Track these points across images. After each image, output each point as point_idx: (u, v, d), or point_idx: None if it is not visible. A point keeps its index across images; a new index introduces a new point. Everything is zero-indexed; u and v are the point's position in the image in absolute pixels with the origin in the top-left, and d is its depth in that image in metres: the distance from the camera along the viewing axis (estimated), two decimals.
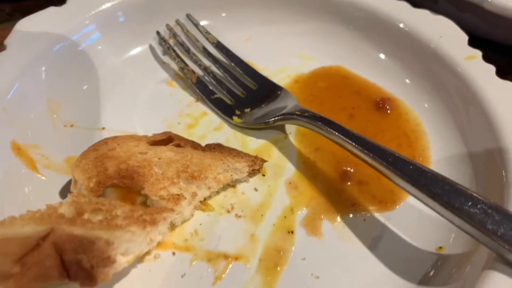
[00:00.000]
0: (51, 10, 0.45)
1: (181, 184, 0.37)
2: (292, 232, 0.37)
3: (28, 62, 0.41)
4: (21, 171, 0.38)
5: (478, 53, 0.44)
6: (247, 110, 0.44)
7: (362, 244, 0.37)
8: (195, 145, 0.39)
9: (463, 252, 0.35)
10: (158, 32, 0.49)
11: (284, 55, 0.50)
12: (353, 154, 0.37)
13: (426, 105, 0.45)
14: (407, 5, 0.48)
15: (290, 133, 0.44)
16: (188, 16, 0.50)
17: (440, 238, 0.37)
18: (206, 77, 0.47)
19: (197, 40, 0.49)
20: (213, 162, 0.38)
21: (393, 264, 0.36)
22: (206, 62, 0.48)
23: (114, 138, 0.38)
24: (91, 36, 0.46)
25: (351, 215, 0.38)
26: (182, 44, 0.49)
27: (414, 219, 0.38)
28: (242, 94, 0.46)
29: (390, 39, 0.48)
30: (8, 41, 0.42)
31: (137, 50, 0.49)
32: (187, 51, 0.48)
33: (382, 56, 0.48)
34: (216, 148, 0.39)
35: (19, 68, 0.40)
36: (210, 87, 0.46)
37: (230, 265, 0.35)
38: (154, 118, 0.44)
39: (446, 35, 0.45)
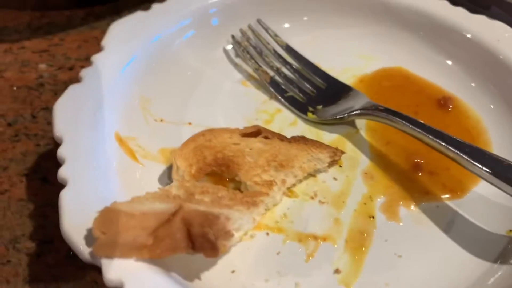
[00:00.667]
0: (139, 14, 0.49)
1: (271, 172, 0.40)
2: (373, 217, 0.41)
3: (125, 60, 0.45)
4: (127, 160, 0.41)
5: None
6: (319, 107, 0.48)
7: (437, 227, 0.40)
8: (281, 137, 0.43)
9: None
10: (233, 36, 0.53)
11: (348, 56, 0.54)
12: (426, 143, 0.40)
13: (492, 106, 0.48)
14: (465, 11, 0.52)
15: (361, 128, 0.47)
16: (259, 21, 0.54)
17: (509, 222, 0.40)
18: (278, 77, 0.51)
19: (268, 43, 0.53)
20: (298, 152, 0.42)
21: (466, 245, 0.39)
22: (277, 64, 0.52)
23: (211, 130, 0.42)
24: (182, 35, 0.50)
25: (424, 203, 0.42)
26: (254, 47, 0.53)
27: (483, 206, 0.41)
28: (312, 93, 0.50)
29: (448, 43, 0.51)
30: (104, 42, 0.46)
31: (214, 52, 0.53)
32: (260, 53, 0.52)
33: (438, 57, 0.52)
34: (301, 140, 0.43)
35: (118, 65, 0.44)
36: (283, 86, 0.50)
37: (320, 245, 0.39)
38: (234, 115, 0.48)
39: (503, 39, 0.49)
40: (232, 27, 0.53)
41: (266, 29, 0.54)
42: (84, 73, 0.43)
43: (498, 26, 0.50)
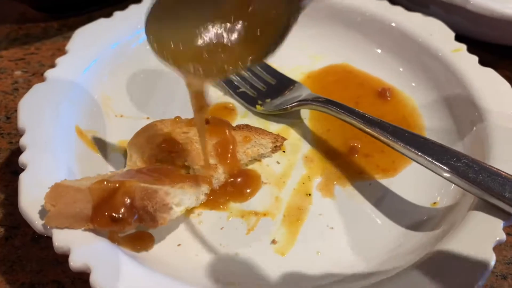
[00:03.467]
0: (102, 21, 0.54)
1: (217, 156, 0.44)
2: (309, 194, 0.45)
3: (87, 62, 0.50)
4: (87, 151, 0.45)
5: (463, 46, 0.52)
6: (268, 100, 0.52)
7: (368, 202, 0.44)
8: (227, 125, 0.47)
9: (451, 204, 0.42)
10: None
11: (297, 56, 0.58)
12: (360, 129, 0.45)
13: (418, 89, 0.53)
14: (402, 9, 0.56)
15: (305, 118, 0.52)
16: None
17: (433, 196, 0.44)
18: (232, 75, 0.55)
19: None
20: (242, 138, 0.46)
21: (394, 217, 0.43)
22: None
23: (161, 121, 0.46)
24: (140, 38, 0.55)
25: (358, 181, 0.46)
26: None
27: (411, 183, 0.45)
28: (263, 88, 0.54)
29: (387, 38, 0.56)
30: (69, 47, 0.51)
31: None
32: None
33: (380, 51, 0.57)
34: (245, 128, 0.47)
35: (80, 67, 0.49)
36: (236, 83, 0.55)
37: (260, 220, 0.43)
38: (190, 109, 0.52)
39: (435, 33, 0.53)
40: None
41: None
42: (48, 73, 0.48)
43: (432, 21, 0.55)
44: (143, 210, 0.36)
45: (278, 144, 0.47)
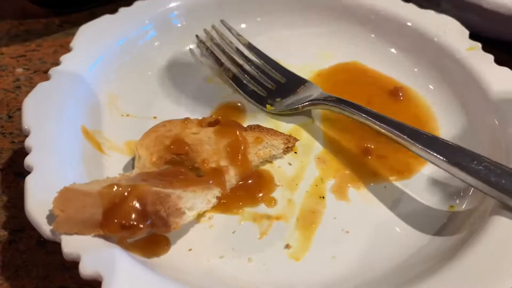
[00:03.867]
0: (107, 17, 0.52)
1: (228, 158, 0.43)
2: (323, 197, 0.43)
3: (92, 59, 0.48)
4: (93, 151, 0.44)
5: (478, 45, 0.50)
6: (278, 99, 0.51)
7: (383, 205, 0.43)
8: (239, 126, 0.46)
9: (471, 208, 0.41)
10: (197, 36, 0.56)
11: (306, 54, 0.57)
12: (376, 130, 0.43)
13: (433, 89, 0.51)
14: (415, 7, 0.55)
15: (316, 118, 0.51)
16: (222, 22, 0.57)
17: (451, 199, 0.43)
18: (241, 74, 0.54)
19: (231, 42, 0.56)
20: (254, 139, 0.45)
21: (411, 221, 0.42)
22: (240, 61, 0.55)
23: (171, 121, 0.45)
24: (148, 34, 0.54)
25: (372, 184, 0.45)
26: (218, 46, 0.56)
27: (428, 185, 0.44)
28: (272, 86, 0.53)
29: (400, 36, 0.54)
30: (73, 44, 0.49)
31: (182, 50, 0.56)
32: (223, 51, 0.55)
33: (393, 50, 0.55)
34: (256, 128, 0.46)
35: (85, 65, 0.47)
36: (245, 82, 0.53)
37: (273, 224, 0.41)
38: (199, 108, 0.51)
39: (449, 31, 0.52)
40: (193, 28, 0.56)
41: (229, 29, 0.57)
42: (53, 71, 0.46)
43: (445, 19, 0.54)
44: (155, 215, 0.35)
45: (290, 145, 0.46)
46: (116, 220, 0.34)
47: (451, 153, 0.38)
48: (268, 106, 0.50)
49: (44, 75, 0.58)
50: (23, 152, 0.40)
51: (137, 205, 0.34)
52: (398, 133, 0.41)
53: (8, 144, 0.50)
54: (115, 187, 0.35)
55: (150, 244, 0.38)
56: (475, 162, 0.37)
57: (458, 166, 0.38)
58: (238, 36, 0.57)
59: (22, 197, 0.37)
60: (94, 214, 0.34)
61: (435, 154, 0.39)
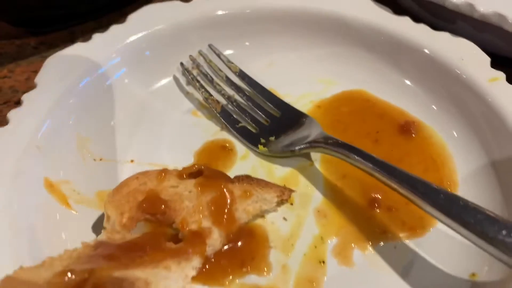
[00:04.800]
0: (78, 46, 0.46)
1: (211, 218, 0.37)
2: (323, 262, 0.37)
3: (58, 99, 0.42)
4: (55, 207, 0.38)
5: (501, 75, 0.44)
6: (272, 138, 0.45)
7: (393, 271, 0.37)
8: (224, 177, 0.40)
9: (497, 280, 0.35)
10: (182, 63, 0.50)
11: (306, 80, 0.51)
12: (380, 181, 0.37)
13: (454, 132, 0.45)
14: (428, 28, 0.48)
15: (316, 160, 0.44)
16: (210, 47, 0.51)
17: (472, 264, 0.37)
18: (230, 106, 0.48)
19: (220, 70, 0.50)
20: (242, 193, 0.39)
21: None
22: (230, 91, 0.49)
23: (145, 173, 0.39)
24: (117, 71, 0.47)
25: (381, 243, 0.38)
26: (205, 74, 0.50)
27: (445, 245, 0.38)
28: (266, 122, 0.47)
29: (411, 62, 0.48)
30: (37, 79, 0.43)
31: (162, 82, 0.50)
32: (211, 81, 0.49)
33: (403, 78, 0.49)
34: (245, 180, 0.40)
35: (49, 105, 0.42)
36: (235, 116, 0.47)
37: None
38: (181, 149, 0.45)
39: (468, 58, 0.45)
40: (172, 57, 0.50)
41: (218, 55, 0.51)
42: (11, 114, 0.40)
43: (463, 43, 0.47)
44: None
45: (284, 198, 0.40)
46: None
47: (475, 219, 0.32)
48: (260, 146, 0.44)
49: (15, 106, 0.52)
50: None
51: None
52: (410, 189, 0.35)
53: None
54: (69, 275, 0.29)
55: None
56: (504, 231, 0.31)
57: (483, 235, 0.31)
58: (228, 62, 0.50)
59: None
60: None
61: (454, 219, 0.32)
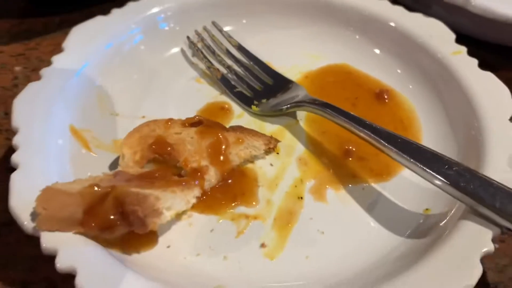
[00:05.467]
0: (99, 18, 0.54)
1: (209, 158, 0.44)
2: (301, 197, 0.44)
3: (83, 60, 0.50)
4: (79, 149, 0.46)
5: (463, 49, 0.51)
6: (264, 100, 0.52)
7: (360, 207, 0.44)
8: (221, 126, 0.47)
9: (444, 211, 0.42)
10: (188, 37, 0.57)
11: (296, 55, 0.58)
12: (354, 134, 0.44)
13: (417, 91, 0.52)
14: (403, 9, 0.56)
15: (301, 119, 0.51)
16: (213, 23, 0.58)
17: (426, 202, 0.43)
18: (229, 75, 0.55)
19: (221, 43, 0.57)
20: (235, 140, 0.46)
21: (386, 223, 0.42)
22: (229, 62, 0.56)
23: (154, 121, 0.46)
24: (135, 38, 0.55)
25: (351, 185, 0.45)
26: (208, 47, 0.57)
27: (405, 188, 0.45)
28: (260, 88, 0.54)
29: (386, 38, 0.55)
30: (65, 44, 0.51)
31: (171, 51, 0.57)
32: (213, 52, 0.57)
33: (378, 51, 0.56)
34: (238, 129, 0.47)
35: (76, 66, 0.49)
36: (233, 83, 0.54)
37: (250, 223, 0.43)
38: (186, 108, 0.52)
39: (436, 34, 0.52)
40: (180, 31, 0.58)
41: (220, 30, 0.58)
42: (44, 71, 0.48)
43: (433, 22, 0.54)
44: (133, 215, 0.36)
45: (271, 146, 0.47)
46: (95, 219, 0.36)
47: (423, 157, 0.39)
48: (253, 107, 0.51)
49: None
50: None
51: (116, 205, 0.36)
52: (374, 136, 0.42)
53: (3, 140, 0.52)
54: (96, 188, 0.36)
55: (130, 240, 0.40)
56: (445, 166, 0.38)
57: (429, 169, 0.38)
58: (228, 37, 0.58)
59: None
60: (74, 213, 0.36)
61: (408, 157, 0.40)
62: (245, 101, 0.52)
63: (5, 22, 0.68)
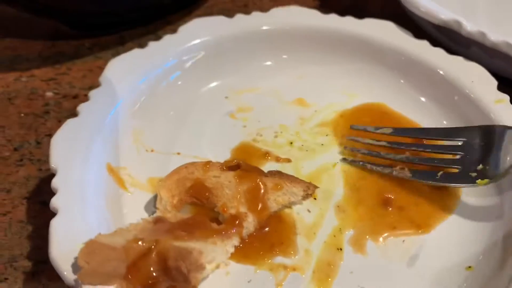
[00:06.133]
0: (136, 51, 0.53)
1: (247, 204, 0.44)
2: (340, 249, 0.44)
3: (119, 96, 0.49)
4: (115, 188, 0.45)
5: (506, 97, 0.50)
6: (480, 166, 0.44)
7: (401, 261, 0.43)
8: (259, 171, 0.46)
9: (490, 271, 0.41)
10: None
11: (331, 92, 0.57)
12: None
13: None
14: (443, 52, 0.55)
15: (337, 162, 0.50)
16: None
17: (469, 258, 0.43)
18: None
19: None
20: (273, 186, 0.45)
21: (427, 279, 0.42)
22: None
23: (193, 163, 0.46)
24: (171, 73, 0.54)
25: (391, 237, 0.45)
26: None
27: (446, 242, 0.44)
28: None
29: (427, 81, 0.54)
30: (101, 79, 0.50)
31: (208, 86, 0.57)
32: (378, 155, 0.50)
33: (422, 99, 0.55)
34: (277, 174, 0.46)
35: (112, 101, 0.49)
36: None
37: (289, 275, 0.42)
38: (220, 146, 0.51)
39: (477, 80, 0.51)
40: (217, 64, 0.57)
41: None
42: (81, 108, 0.47)
43: (474, 67, 0.53)
44: (176, 271, 0.35)
45: (309, 192, 0.46)
46: (138, 275, 0.35)
47: None
48: (479, 181, 0.43)
49: (73, 100, 0.60)
50: (50, 180, 0.41)
51: (159, 260, 0.35)
52: None
53: (35, 171, 0.52)
54: (140, 242, 0.36)
55: None
56: None
57: None
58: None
59: (47, 227, 0.38)
60: (117, 267, 0.35)
61: None
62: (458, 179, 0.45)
63: (36, 44, 0.67)
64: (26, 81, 0.62)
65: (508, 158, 0.42)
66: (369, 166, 0.48)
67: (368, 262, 0.43)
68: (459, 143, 0.46)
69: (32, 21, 0.69)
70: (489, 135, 0.45)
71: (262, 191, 0.44)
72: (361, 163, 0.49)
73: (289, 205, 0.46)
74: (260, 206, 0.44)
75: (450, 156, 0.46)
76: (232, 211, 0.43)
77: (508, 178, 0.43)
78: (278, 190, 0.45)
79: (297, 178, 0.47)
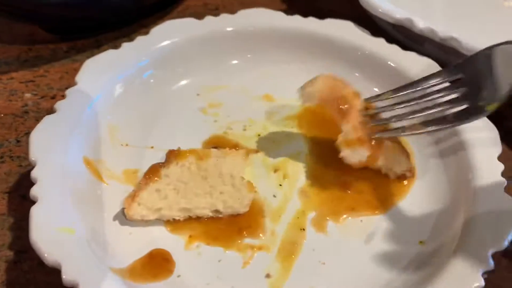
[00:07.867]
0: (110, 52, 0.56)
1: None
2: (303, 229, 0.47)
3: (95, 94, 0.52)
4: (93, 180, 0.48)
5: None
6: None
7: (359, 238, 0.47)
8: None
9: (439, 244, 0.45)
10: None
11: (296, 88, 0.60)
12: None
13: None
14: (397, 47, 0.59)
15: (302, 152, 0.54)
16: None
17: (421, 234, 0.47)
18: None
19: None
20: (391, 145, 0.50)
21: (382, 253, 0.45)
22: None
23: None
24: (144, 72, 0.57)
25: (350, 218, 0.48)
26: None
27: (401, 221, 0.48)
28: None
29: (382, 75, 0.58)
30: (78, 78, 0.53)
31: (179, 84, 0.60)
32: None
33: (376, 89, 0.59)
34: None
35: (88, 99, 0.51)
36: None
37: (255, 254, 0.45)
38: (192, 139, 0.54)
39: (427, 70, 0.55)
40: (186, 63, 0.60)
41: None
42: (59, 105, 0.50)
43: (425, 61, 0.57)
44: None
45: (408, 175, 0.51)
46: None
47: None
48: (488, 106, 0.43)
49: (51, 100, 0.62)
50: (29, 174, 0.44)
51: None
52: None
53: (15, 167, 0.54)
54: None
55: (151, 269, 0.43)
56: None
57: None
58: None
59: (27, 219, 0.41)
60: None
61: None
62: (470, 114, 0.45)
63: (14, 48, 0.70)
64: (5, 84, 0.64)
65: (508, 76, 0.42)
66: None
67: (328, 240, 0.46)
68: (459, 77, 0.46)
69: (9, 25, 0.71)
70: (484, 60, 0.44)
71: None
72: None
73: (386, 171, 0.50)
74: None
75: (455, 96, 0.45)
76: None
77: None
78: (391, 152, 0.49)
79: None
